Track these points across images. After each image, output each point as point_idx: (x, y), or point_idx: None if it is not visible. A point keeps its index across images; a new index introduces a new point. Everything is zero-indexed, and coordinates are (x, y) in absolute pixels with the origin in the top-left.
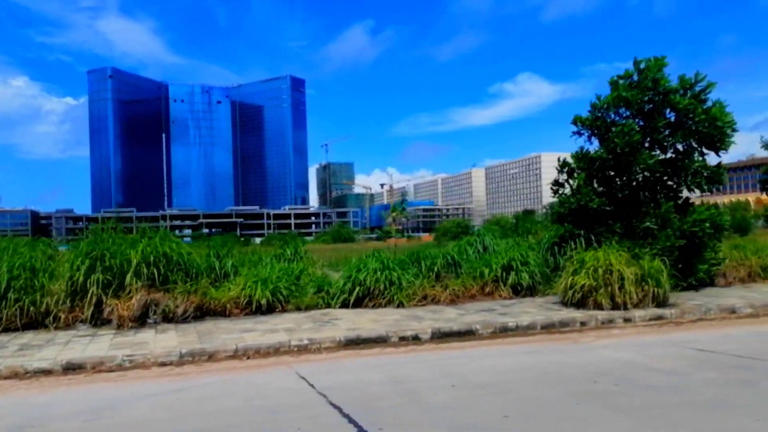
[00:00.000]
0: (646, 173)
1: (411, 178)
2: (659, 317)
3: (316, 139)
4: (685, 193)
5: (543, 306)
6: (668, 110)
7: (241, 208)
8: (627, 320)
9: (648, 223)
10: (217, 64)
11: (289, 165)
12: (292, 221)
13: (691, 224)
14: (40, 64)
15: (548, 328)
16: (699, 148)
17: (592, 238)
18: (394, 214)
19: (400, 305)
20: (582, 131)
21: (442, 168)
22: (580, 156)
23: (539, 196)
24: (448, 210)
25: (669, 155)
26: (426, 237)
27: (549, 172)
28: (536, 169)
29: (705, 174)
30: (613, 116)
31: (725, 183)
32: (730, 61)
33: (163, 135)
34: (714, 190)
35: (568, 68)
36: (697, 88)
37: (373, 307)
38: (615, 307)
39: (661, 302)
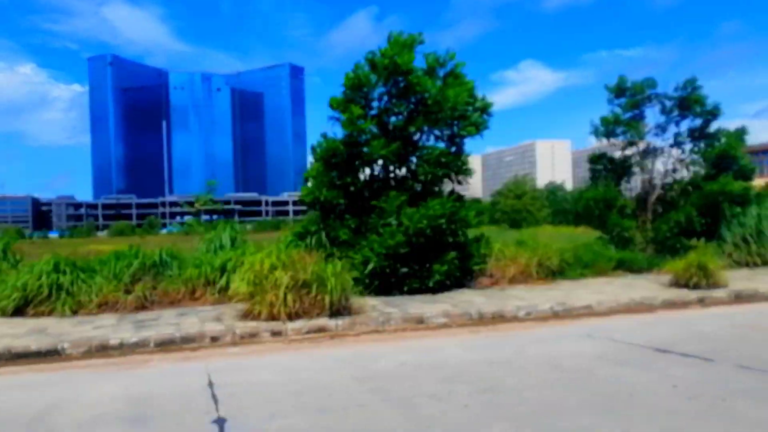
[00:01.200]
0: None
1: None
2: (321, 329)
3: (320, 127)
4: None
5: (225, 315)
6: (414, 93)
7: (239, 195)
8: (276, 333)
9: (390, 219)
10: (222, 51)
11: (289, 152)
12: (290, 208)
13: (417, 220)
14: (47, 51)
15: (165, 345)
16: (442, 136)
17: (322, 235)
18: (197, 204)
19: (71, 313)
20: (337, 115)
21: None
22: (319, 144)
23: (534, 183)
24: None
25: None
26: None
27: (544, 159)
28: (531, 156)
29: (445, 163)
30: (359, 99)
31: (471, 174)
32: (732, 48)
33: (164, 122)
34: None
35: (570, 56)
36: (449, 67)
37: (34, 315)
38: (274, 317)
39: (339, 310)
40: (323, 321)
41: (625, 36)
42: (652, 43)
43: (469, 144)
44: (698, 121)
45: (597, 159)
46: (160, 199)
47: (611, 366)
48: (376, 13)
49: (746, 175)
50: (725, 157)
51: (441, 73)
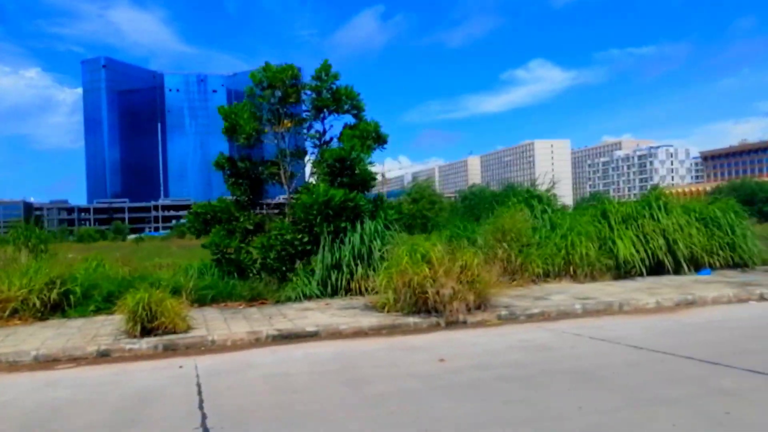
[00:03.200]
0: None
1: (410, 167)
2: None
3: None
4: None
5: None
6: None
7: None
8: None
9: None
10: (227, 53)
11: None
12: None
13: None
14: (52, 55)
15: None
16: None
17: None
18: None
19: None
20: None
21: (453, 156)
22: None
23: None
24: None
25: None
26: None
27: (542, 159)
28: (529, 156)
29: None
30: None
31: None
32: (747, 45)
33: (159, 125)
34: None
35: (580, 54)
36: None
37: None
38: None
39: None
40: None
41: (637, 33)
42: (665, 41)
43: None
44: (350, 118)
45: (224, 163)
46: (152, 203)
47: None
48: (383, 12)
49: (363, 183)
50: (343, 162)
51: None
